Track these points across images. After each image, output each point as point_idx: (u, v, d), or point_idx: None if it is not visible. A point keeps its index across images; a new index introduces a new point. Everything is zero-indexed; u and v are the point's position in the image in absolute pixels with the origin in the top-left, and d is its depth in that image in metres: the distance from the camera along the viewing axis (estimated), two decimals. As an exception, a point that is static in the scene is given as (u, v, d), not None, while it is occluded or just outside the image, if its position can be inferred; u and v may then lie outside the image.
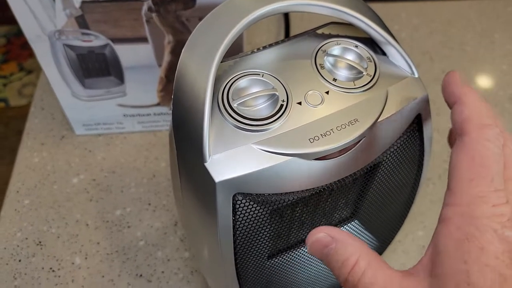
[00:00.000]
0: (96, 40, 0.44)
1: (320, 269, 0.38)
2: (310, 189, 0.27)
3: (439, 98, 0.59)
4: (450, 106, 0.26)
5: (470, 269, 0.20)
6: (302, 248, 0.36)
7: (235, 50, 0.26)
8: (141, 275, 0.45)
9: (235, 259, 0.31)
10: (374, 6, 0.29)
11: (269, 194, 0.27)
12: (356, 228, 0.38)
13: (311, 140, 0.26)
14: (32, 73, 1.62)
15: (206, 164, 0.25)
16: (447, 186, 0.23)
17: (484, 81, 0.62)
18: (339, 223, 0.37)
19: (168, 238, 0.48)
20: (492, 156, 0.22)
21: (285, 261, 0.36)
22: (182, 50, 0.26)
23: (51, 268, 0.46)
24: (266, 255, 0.33)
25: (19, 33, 1.72)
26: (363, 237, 0.39)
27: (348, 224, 0.37)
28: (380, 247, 0.41)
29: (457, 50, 0.66)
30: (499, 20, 0.70)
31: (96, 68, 0.47)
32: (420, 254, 0.47)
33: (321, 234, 0.25)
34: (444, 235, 0.22)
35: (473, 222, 0.21)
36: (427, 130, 0.31)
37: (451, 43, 0.66)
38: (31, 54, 1.66)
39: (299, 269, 0.37)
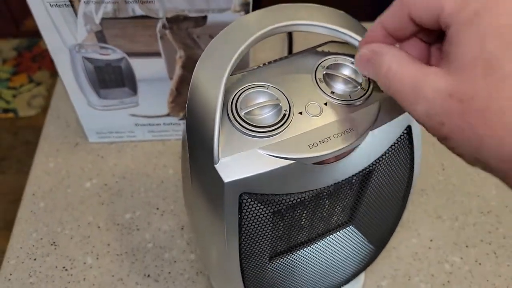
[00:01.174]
0: (113, 54, 0.48)
1: (318, 271, 0.41)
2: (309, 191, 0.30)
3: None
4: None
5: (484, 36, 0.20)
6: (301, 251, 0.39)
7: (241, 64, 0.29)
8: (149, 275, 0.48)
9: (240, 257, 0.33)
10: (369, 26, 0.32)
11: (272, 194, 0.29)
12: (352, 233, 0.41)
13: (311, 146, 0.28)
14: (41, 85, 1.66)
15: (216, 166, 0.28)
16: None
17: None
18: (336, 228, 0.40)
19: (175, 241, 0.50)
20: None
21: (285, 262, 0.38)
22: (196, 64, 0.29)
23: (64, 267, 0.48)
24: (269, 254, 0.36)
25: (30, 46, 1.77)
26: (359, 241, 0.41)
27: (345, 229, 0.40)
28: (375, 251, 0.43)
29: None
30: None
31: (112, 79, 0.50)
32: (413, 260, 0.50)
33: (363, 50, 0.26)
34: (453, 21, 0.21)
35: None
36: (417, 141, 0.33)
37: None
38: (40, 67, 1.70)
39: (298, 271, 0.40)
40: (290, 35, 0.70)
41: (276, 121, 0.29)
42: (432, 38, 0.26)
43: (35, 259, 0.49)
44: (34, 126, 1.57)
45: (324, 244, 0.39)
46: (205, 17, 0.45)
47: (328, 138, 0.29)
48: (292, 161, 0.28)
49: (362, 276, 0.48)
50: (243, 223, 0.30)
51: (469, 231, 0.52)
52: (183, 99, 0.54)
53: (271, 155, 0.28)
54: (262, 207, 0.30)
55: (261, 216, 0.30)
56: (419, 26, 0.24)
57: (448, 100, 0.21)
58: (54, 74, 0.52)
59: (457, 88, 0.21)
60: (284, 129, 0.29)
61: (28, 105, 1.63)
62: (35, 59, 1.73)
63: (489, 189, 0.55)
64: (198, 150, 0.30)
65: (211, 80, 0.29)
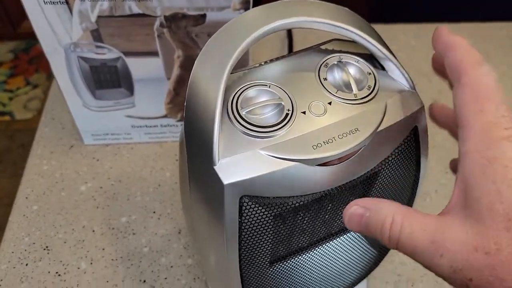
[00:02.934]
0: (109, 53, 0.46)
1: (319, 277, 0.39)
2: (312, 193, 0.29)
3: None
4: (443, 55, 0.27)
5: (499, 187, 0.21)
6: (302, 256, 0.37)
7: (241, 63, 0.28)
8: (144, 281, 0.46)
9: (240, 262, 0.32)
10: (374, 27, 0.31)
11: (274, 197, 0.28)
12: (355, 237, 0.39)
13: (314, 147, 0.27)
14: (38, 87, 1.65)
15: (216, 168, 0.27)
16: (458, 125, 0.24)
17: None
18: (338, 232, 0.38)
19: (172, 245, 0.49)
20: (492, 87, 0.23)
21: (286, 267, 0.37)
22: (195, 62, 0.28)
23: (57, 273, 0.47)
24: (269, 259, 0.34)
25: (27, 49, 1.75)
26: (361, 246, 0.40)
27: (347, 234, 0.39)
28: (378, 256, 0.42)
29: (454, 71, 0.68)
30: (494, 43, 0.72)
31: (108, 79, 0.49)
32: (416, 265, 0.48)
33: (353, 208, 0.26)
34: (468, 166, 0.23)
35: (492, 146, 0.22)
36: (423, 141, 0.32)
37: (448, 64, 0.69)
38: (37, 69, 1.69)
39: (299, 276, 0.38)
40: (290, 32, 0.68)
41: (278, 120, 0.28)
42: None
43: (27, 264, 0.47)
44: (30, 129, 1.56)
45: (325, 249, 0.38)
46: (204, 16, 0.44)
47: (333, 139, 0.28)
48: (295, 162, 0.27)
49: (364, 282, 0.47)
50: (243, 227, 0.29)
51: (474, 236, 0.50)
52: (181, 100, 0.52)
53: (273, 156, 0.27)
54: (263, 210, 0.29)
55: (262, 219, 0.29)
56: None
57: (473, 254, 0.21)
58: (51, 76, 0.51)
59: (481, 240, 0.21)
60: (287, 129, 0.28)
61: (25, 108, 1.62)
62: (32, 62, 1.72)
63: (493, 193, 0.54)
64: (197, 151, 0.28)
65: (211, 77, 0.27)
